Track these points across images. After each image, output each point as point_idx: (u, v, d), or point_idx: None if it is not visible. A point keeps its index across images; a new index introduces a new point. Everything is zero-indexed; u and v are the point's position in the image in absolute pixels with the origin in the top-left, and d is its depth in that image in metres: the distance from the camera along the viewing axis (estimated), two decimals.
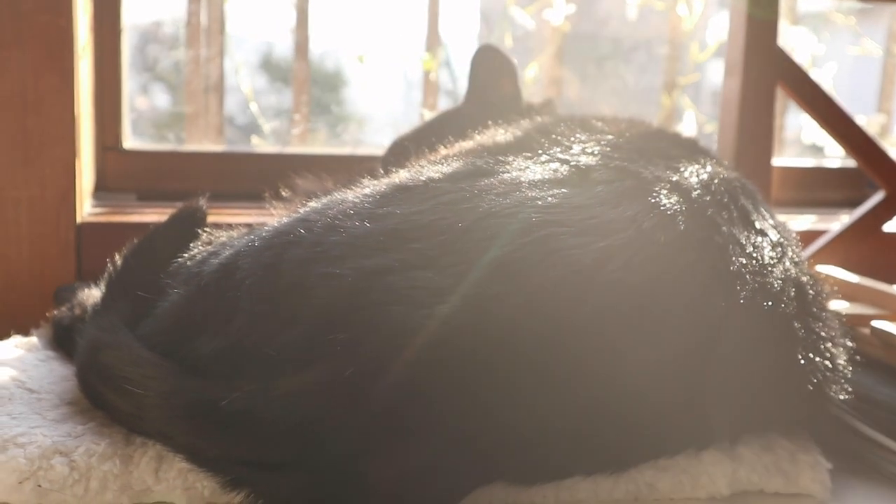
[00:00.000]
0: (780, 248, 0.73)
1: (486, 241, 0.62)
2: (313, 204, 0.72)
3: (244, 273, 0.66)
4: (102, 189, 1.26)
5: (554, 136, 0.78)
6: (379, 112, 1.95)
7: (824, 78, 1.63)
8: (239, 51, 1.70)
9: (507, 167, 0.71)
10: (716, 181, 0.75)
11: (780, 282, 0.71)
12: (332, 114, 1.76)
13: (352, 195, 0.71)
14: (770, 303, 0.69)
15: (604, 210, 0.66)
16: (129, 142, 1.30)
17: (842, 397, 0.74)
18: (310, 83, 1.48)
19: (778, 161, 1.57)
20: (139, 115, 1.89)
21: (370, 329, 0.59)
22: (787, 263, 0.73)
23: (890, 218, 1.24)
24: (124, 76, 1.27)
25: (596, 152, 0.75)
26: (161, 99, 1.97)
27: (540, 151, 0.75)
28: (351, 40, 1.57)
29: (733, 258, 0.68)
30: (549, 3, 1.53)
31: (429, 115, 1.20)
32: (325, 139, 1.62)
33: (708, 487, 0.71)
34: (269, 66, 1.97)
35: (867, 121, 1.76)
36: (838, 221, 1.28)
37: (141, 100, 1.93)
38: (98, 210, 1.19)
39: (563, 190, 0.67)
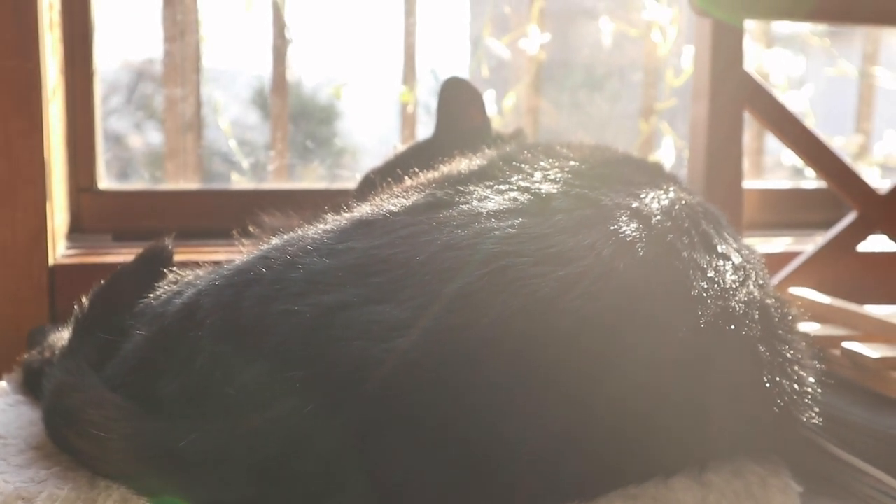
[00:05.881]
0: (742, 272, 0.73)
1: (444, 274, 0.62)
2: (275, 241, 0.72)
3: (205, 313, 0.66)
4: (78, 230, 1.26)
5: (516, 164, 0.79)
6: (374, 143, 1.95)
7: (802, 99, 1.65)
8: (233, 85, 1.71)
9: (467, 197, 0.72)
10: (677, 207, 0.75)
11: (742, 305, 0.70)
12: (326, 146, 1.77)
13: (312, 231, 0.71)
14: (733, 326, 0.69)
15: (563, 239, 0.66)
16: (105, 182, 1.30)
17: (811, 419, 0.74)
18: (287, 119, 1.48)
19: (755, 184, 1.58)
20: (133, 154, 1.89)
21: (329, 365, 0.58)
22: (751, 287, 0.73)
23: (863, 238, 1.24)
24: (98, 118, 1.27)
25: (558, 179, 0.75)
26: (155, 137, 1.97)
27: (501, 179, 0.75)
28: (343, 73, 1.58)
29: (694, 283, 0.68)
30: (524, 32, 1.55)
31: (401, 148, 1.20)
32: (320, 172, 1.63)
33: None
34: (261, 101, 1.97)
35: (846, 141, 1.77)
36: (813, 243, 1.28)
37: (135, 138, 1.93)
38: (72, 252, 1.19)
39: (521, 219, 0.68)
